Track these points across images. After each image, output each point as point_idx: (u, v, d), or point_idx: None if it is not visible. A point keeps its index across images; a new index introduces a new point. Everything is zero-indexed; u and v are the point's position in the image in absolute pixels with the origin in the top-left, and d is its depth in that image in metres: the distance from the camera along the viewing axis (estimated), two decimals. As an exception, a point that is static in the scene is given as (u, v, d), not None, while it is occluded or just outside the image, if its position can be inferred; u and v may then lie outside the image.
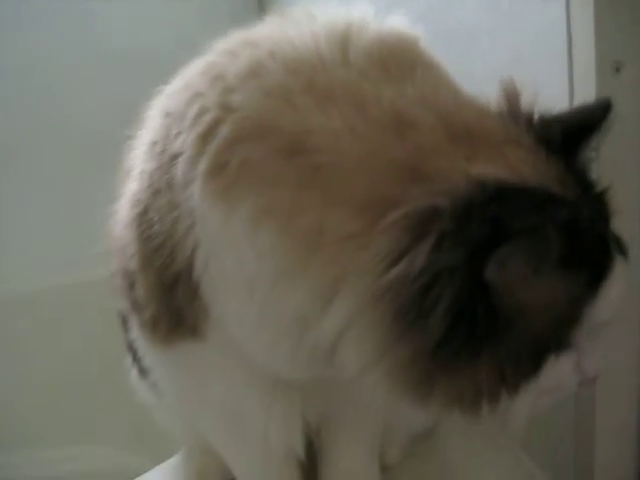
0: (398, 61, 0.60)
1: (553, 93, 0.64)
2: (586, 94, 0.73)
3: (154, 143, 0.65)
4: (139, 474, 0.98)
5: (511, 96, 0.60)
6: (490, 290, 0.50)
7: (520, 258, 0.50)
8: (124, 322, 0.82)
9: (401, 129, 0.55)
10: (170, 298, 0.64)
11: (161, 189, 0.62)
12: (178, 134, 0.60)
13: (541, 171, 0.54)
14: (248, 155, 0.55)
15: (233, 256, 0.58)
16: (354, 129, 0.55)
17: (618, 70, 0.72)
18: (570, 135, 0.58)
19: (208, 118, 0.58)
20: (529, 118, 0.59)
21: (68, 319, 1.59)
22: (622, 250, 0.57)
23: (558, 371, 0.55)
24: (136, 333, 0.74)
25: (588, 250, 0.53)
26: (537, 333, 0.52)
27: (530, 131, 0.57)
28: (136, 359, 0.84)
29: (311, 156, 0.54)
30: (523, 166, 0.53)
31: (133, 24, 1.65)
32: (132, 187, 0.69)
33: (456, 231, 0.49)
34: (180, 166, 0.59)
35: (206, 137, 0.57)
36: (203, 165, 0.57)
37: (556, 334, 0.54)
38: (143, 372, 0.84)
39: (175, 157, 0.60)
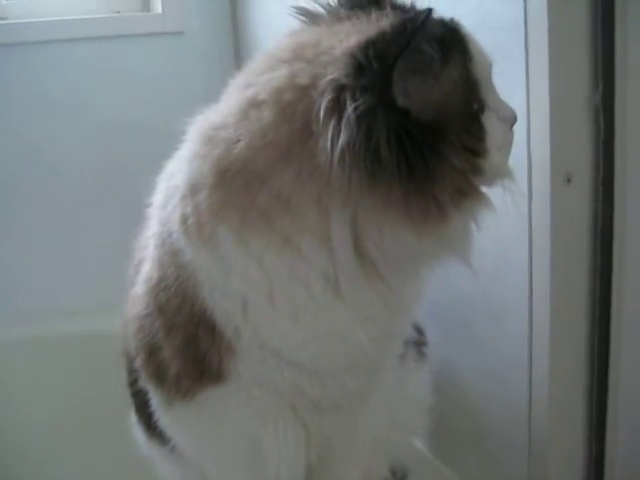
0: None
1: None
2: (542, 201, 0.85)
3: (157, 234, 0.78)
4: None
5: None
6: (411, 111, 0.64)
7: (411, 72, 0.63)
8: (133, 387, 0.92)
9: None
10: (195, 349, 0.75)
11: (166, 261, 0.75)
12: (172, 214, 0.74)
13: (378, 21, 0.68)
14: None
15: (237, 275, 0.70)
16: None
17: (569, 181, 0.85)
18: None
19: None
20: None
21: (64, 369, 1.66)
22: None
23: (494, 127, 0.70)
24: (155, 399, 0.84)
25: (450, 43, 0.67)
26: (461, 108, 0.67)
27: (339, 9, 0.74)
28: (144, 420, 0.94)
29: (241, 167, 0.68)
30: (366, 27, 0.67)
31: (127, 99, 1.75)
32: (144, 269, 0.81)
33: (356, 84, 0.62)
34: (174, 235, 0.73)
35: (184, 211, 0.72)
36: (184, 225, 0.71)
37: (472, 100, 0.68)
38: (151, 432, 0.94)
39: (171, 233, 0.73)
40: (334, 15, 0.74)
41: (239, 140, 0.68)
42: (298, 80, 0.66)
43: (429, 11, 0.64)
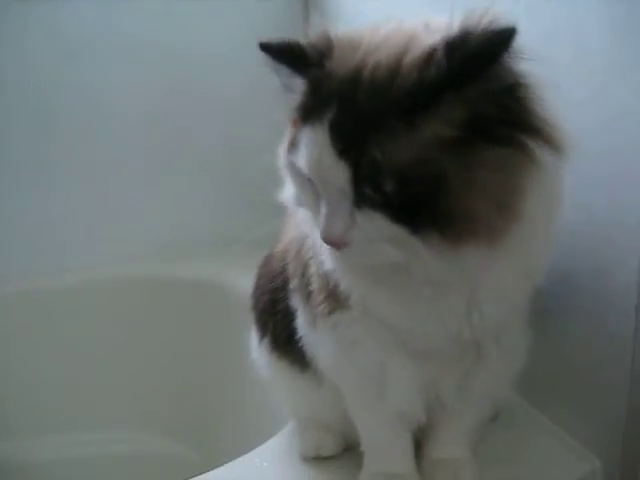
0: None
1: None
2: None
3: None
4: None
5: None
6: None
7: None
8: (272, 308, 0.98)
9: None
10: (329, 289, 0.83)
11: None
12: None
13: None
14: None
15: None
16: None
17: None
18: None
19: None
20: None
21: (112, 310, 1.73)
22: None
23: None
24: (302, 317, 0.91)
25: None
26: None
27: None
28: (278, 340, 0.99)
29: None
30: None
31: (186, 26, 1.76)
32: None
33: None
34: None
35: None
36: None
37: None
38: (282, 351, 0.99)
39: None
40: None
41: None
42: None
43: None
